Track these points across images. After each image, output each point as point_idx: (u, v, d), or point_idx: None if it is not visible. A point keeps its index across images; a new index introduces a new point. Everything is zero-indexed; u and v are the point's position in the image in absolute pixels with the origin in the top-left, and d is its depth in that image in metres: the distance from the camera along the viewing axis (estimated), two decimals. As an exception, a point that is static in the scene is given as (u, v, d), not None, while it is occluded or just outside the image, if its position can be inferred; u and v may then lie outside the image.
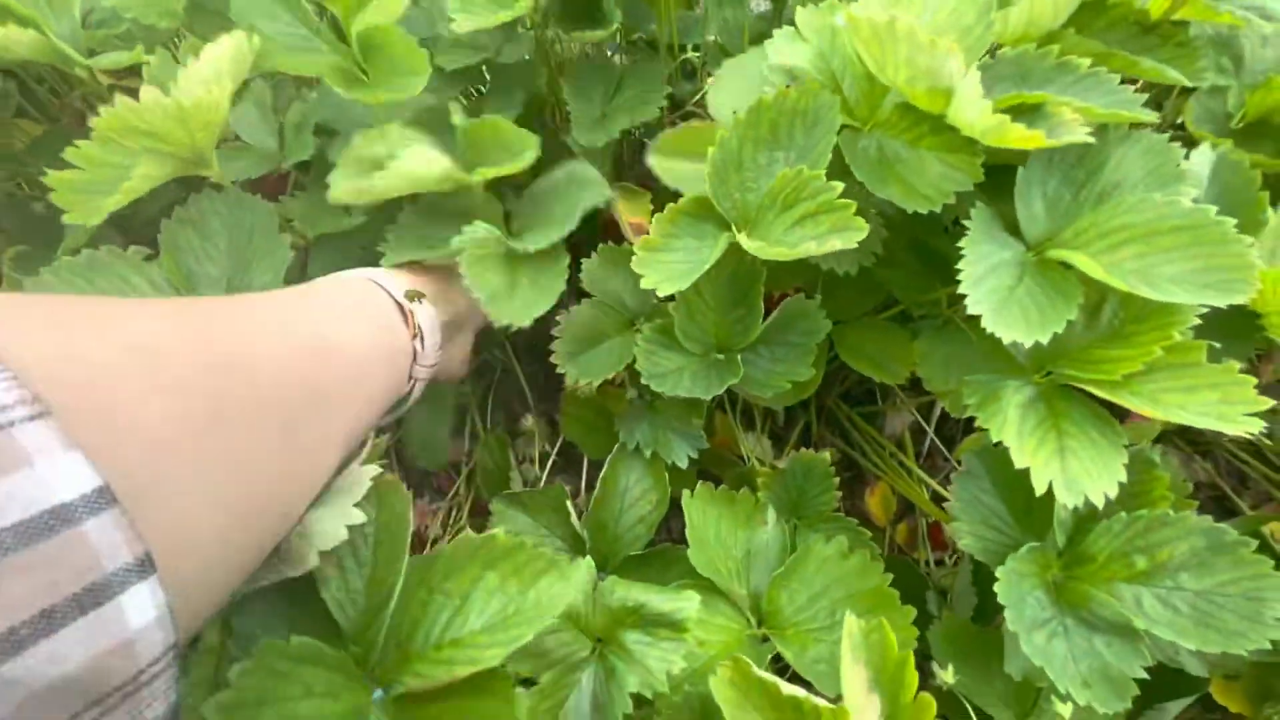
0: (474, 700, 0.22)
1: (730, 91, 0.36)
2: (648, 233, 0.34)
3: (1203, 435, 0.59)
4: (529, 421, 0.53)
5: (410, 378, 0.34)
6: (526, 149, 0.35)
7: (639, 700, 0.26)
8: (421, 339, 0.34)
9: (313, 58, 0.36)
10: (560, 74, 0.47)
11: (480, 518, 0.56)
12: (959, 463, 0.57)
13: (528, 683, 0.26)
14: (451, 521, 0.54)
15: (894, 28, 0.24)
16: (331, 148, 0.41)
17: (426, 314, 0.34)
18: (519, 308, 0.33)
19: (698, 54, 0.51)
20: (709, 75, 0.52)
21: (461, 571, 0.24)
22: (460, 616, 0.24)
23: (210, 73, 0.32)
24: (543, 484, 0.51)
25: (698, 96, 0.50)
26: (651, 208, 0.46)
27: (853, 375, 0.53)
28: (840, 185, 0.27)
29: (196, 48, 0.34)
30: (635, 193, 0.47)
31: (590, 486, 0.52)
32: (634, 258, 0.31)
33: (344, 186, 0.35)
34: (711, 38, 0.49)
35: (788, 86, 0.31)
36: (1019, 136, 0.24)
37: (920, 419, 0.57)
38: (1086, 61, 0.27)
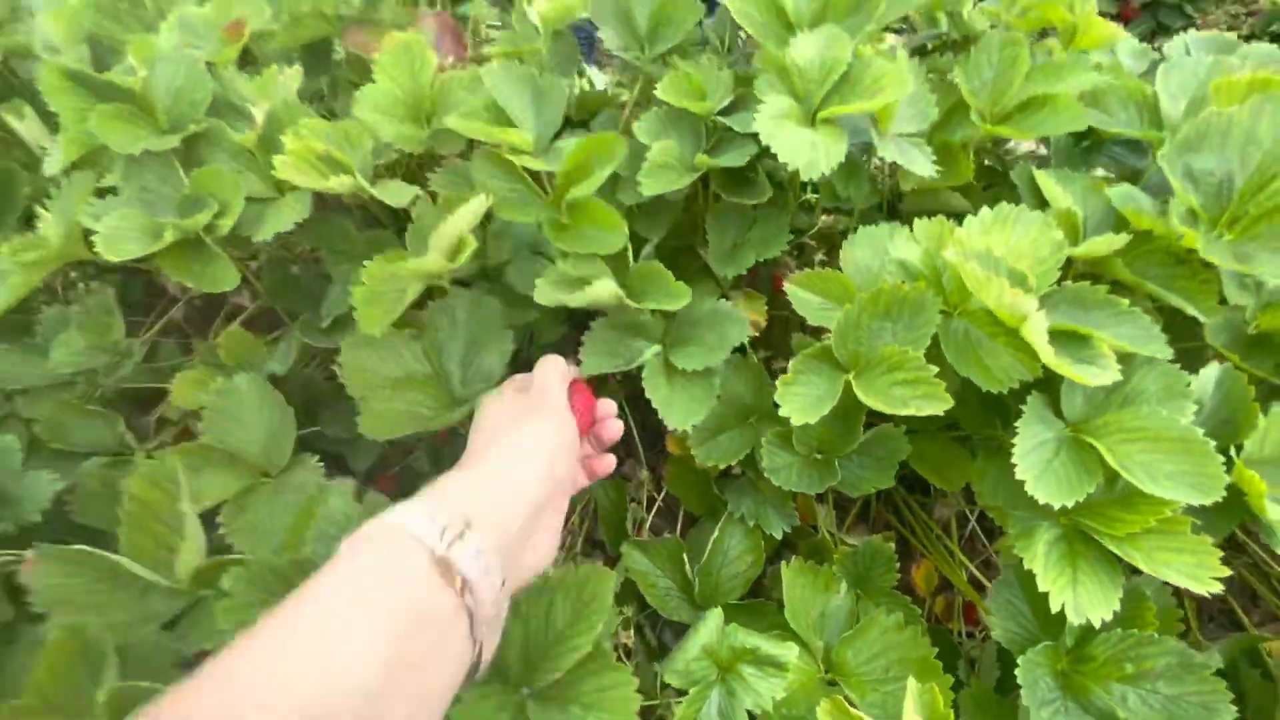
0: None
1: (860, 254, 0.47)
2: (762, 327, 0.46)
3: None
4: (642, 475, 0.65)
5: (474, 641, 0.29)
6: (681, 295, 0.47)
7: (751, 716, 0.38)
8: (470, 589, 0.28)
9: (530, 210, 0.49)
10: (705, 210, 0.59)
11: (591, 544, 0.68)
12: (996, 553, 0.67)
13: (680, 694, 0.37)
14: (566, 546, 0.66)
15: (990, 281, 0.36)
16: (517, 260, 0.54)
17: (474, 552, 0.29)
18: (680, 414, 0.45)
19: (815, 195, 0.62)
20: (824, 213, 0.63)
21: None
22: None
23: (465, 223, 0.45)
24: (647, 525, 0.63)
25: (813, 230, 0.62)
26: (766, 309, 0.58)
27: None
28: (935, 369, 0.38)
29: (453, 204, 0.47)
30: (753, 296, 0.59)
31: (684, 532, 0.64)
32: (777, 390, 0.42)
33: (546, 294, 0.47)
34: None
35: (902, 282, 0.42)
36: (1069, 371, 0.35)
37: (966, 510, 0.67)
38: (1125, 302, 0.38)
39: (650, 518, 0.64)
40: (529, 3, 0.58)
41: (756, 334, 0.55)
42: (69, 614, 0.32)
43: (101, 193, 0.52)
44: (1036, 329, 0.35)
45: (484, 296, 0.50)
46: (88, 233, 0.49)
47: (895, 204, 0.61)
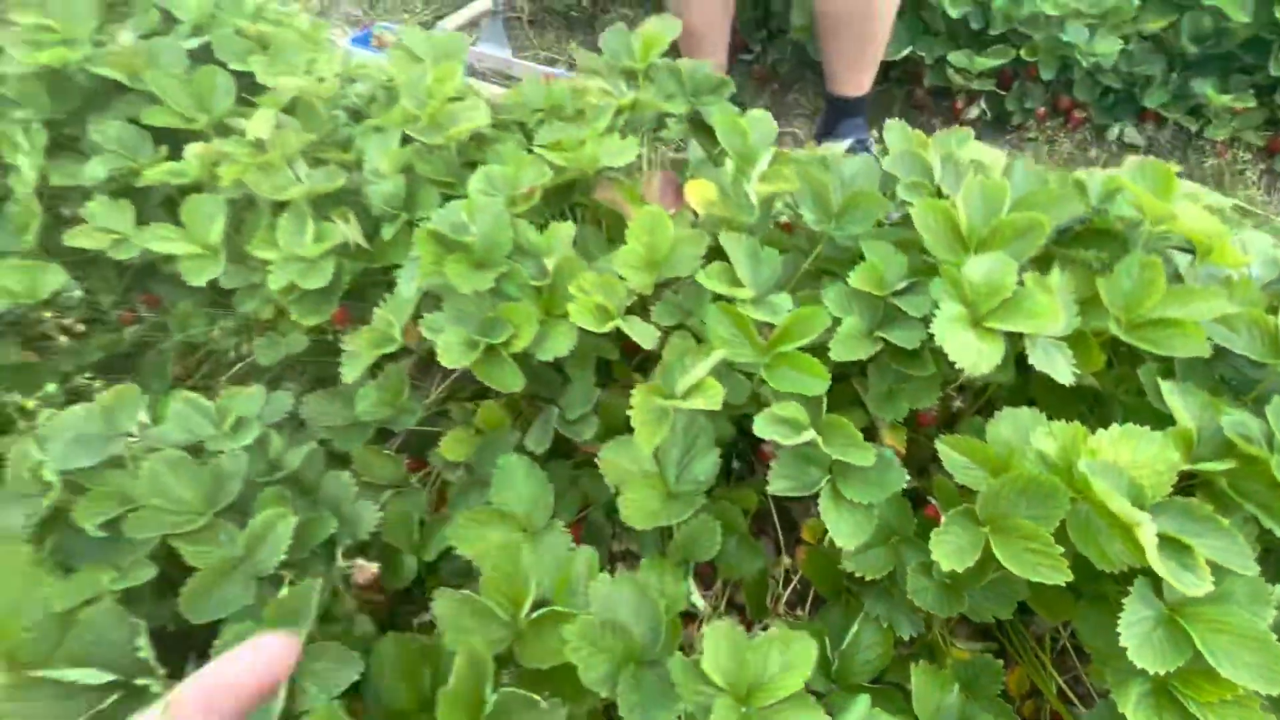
0: None
1: (1004, 431, 0.60)
2: (902, 455, 0.60)
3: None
4: (784, 561, 0.79)
5: None
6: (864, 453, 0.61)
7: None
8: None
9: (748, 353, 0.65)
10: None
11: (731, 606, 0.83)
12: (1085, 673, 0.77)
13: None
14: (712, 605, 0.81)
15: (1112, 494, 0.48)
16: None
17: None
18: (847, 535, 0.59)
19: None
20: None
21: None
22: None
23: (707, 369, 0.62)
24: (783, 600, 0.77)
25: (955, 383, 0.75)
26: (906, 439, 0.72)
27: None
28: (1061, 549, 0.51)
29: (681, 349, 0.64)
30: (897, 427, 0.73)
31: (813, 610, 0.78)
32: (932, 538, 0.56)
33: (764, 429, 0.63)
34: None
35: (1039, 470, 0.55)
36: (1170, 577, 0.47)
37: (1059, 628, 0.77)
38: (1225, 522, 0.49)
39: (786, 594, 0.78)
40: (748, 181, 0.74)
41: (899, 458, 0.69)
42: (460, 635, 0.51)
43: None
44: (1147, 536, 0.48)
45: (697, 414, 0.66)
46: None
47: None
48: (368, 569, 0.67)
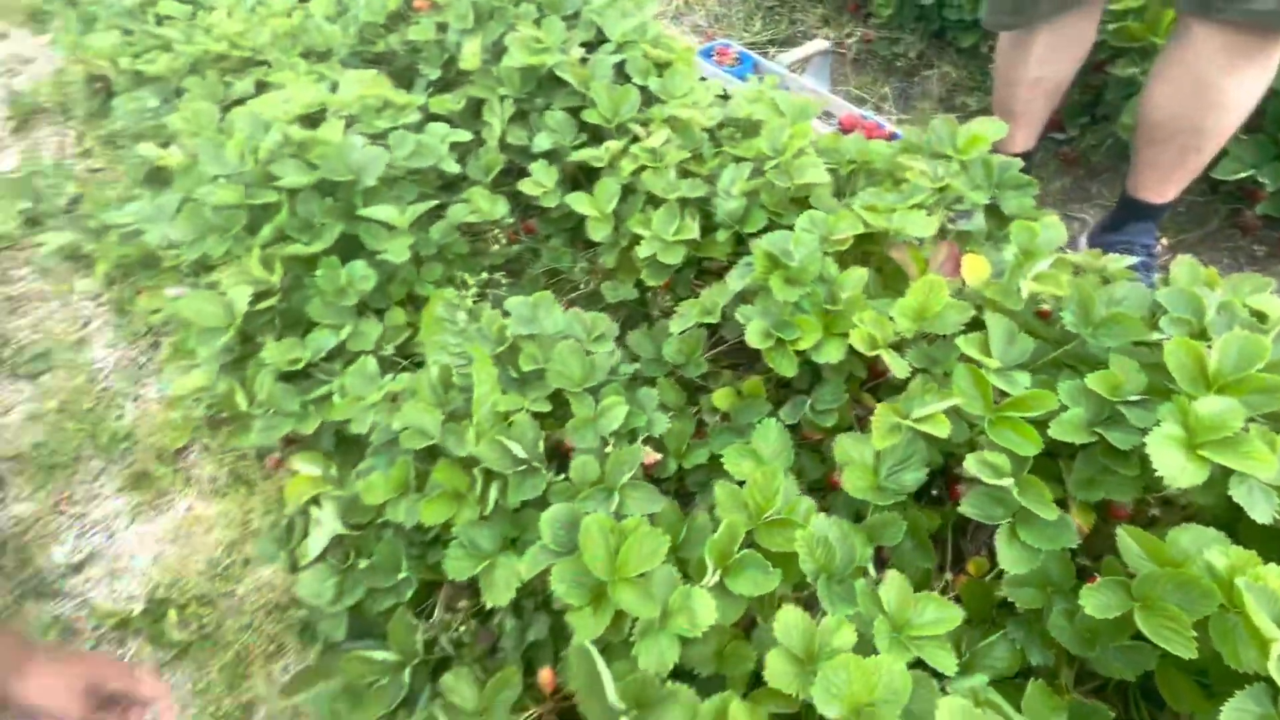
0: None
1: (1184, 541, 0.73)
2: (1085, 533, 0.76)
3: None
4: (945, 577, 0.97)
5: None
6: (1065, 533, 0.78)
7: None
8: None
9: (980, 409, 0.84)
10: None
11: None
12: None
13: None
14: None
15: (1259, 614, 0.61)
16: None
17: None
18: (1015, 565, 0.77)
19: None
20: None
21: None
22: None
23: (945, 406, 0.83)
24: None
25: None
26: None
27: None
28: (1194, 633, 0.65)
29: (925, 389, 0.85)
30: (1085, 508, 0.86)
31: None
32: (1085, 590, 0.72)
33: (975, 468, 0.82)
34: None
35: (1202, 577, 0.68)
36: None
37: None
38: (1360, 670, 0.59)
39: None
40: (1024, 277, 0.92)
41: (1081, 536, 0.83)
42: (727, 512, 0.80)
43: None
44: (1275, 651, 0.60)
45: (920, 437, 0.88)
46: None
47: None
48: (653, 455, 0.99)
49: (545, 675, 0.85)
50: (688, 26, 2.78)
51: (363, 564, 0.92)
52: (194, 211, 1.21)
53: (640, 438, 1.00)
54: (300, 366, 1.06)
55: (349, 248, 1.18)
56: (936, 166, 1.09)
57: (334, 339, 1.07)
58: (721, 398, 1.08)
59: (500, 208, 1.36)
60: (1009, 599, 0.81)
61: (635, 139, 1.36)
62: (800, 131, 1.15)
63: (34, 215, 2.13)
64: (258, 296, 1.11)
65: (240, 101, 1.58)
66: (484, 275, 1.33)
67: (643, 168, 1.24)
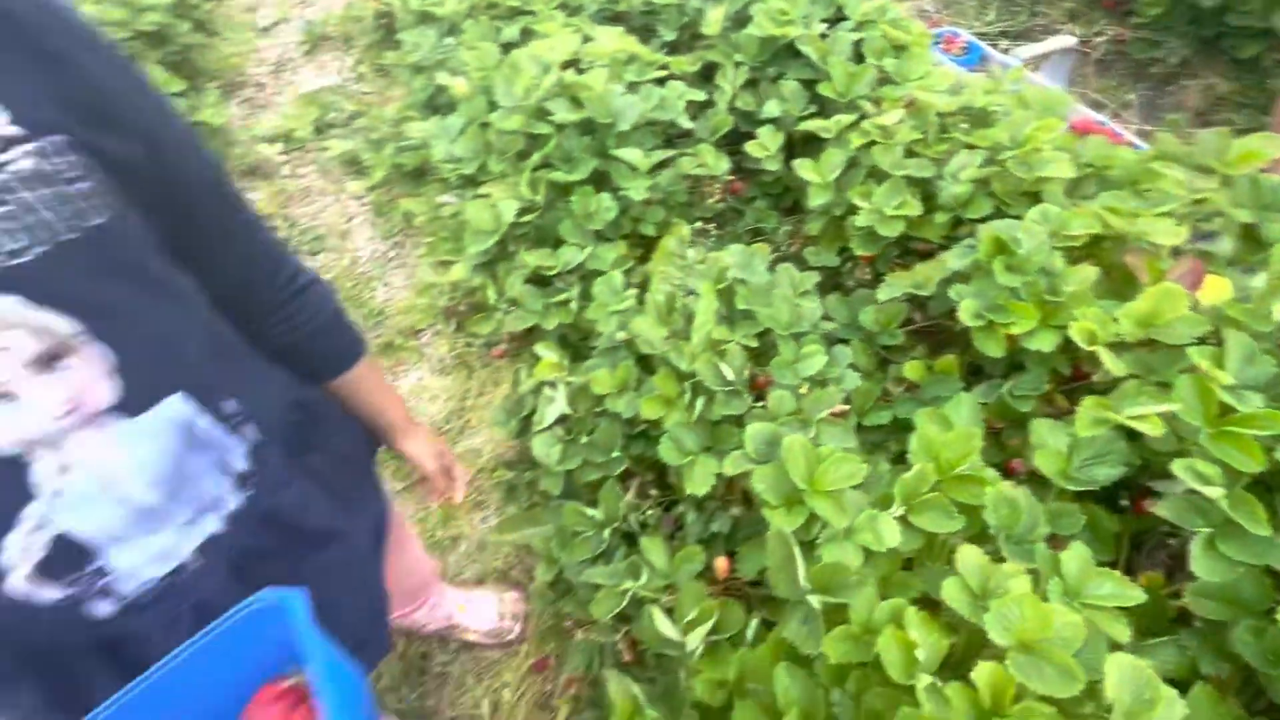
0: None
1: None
2: None
3: None
4: (1119, 579, 0.98)
5: None
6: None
7: None
8: None
9: (1198, 420, 0.85)
10: None
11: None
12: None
13: None
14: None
15: None
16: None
17: None
18: (1207, 570, 0.79)
19: None
20: None
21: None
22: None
23: (1153, 410, 0.84)
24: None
25: None
26: None
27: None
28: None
29: (1134, 392, 0.86)
30: None
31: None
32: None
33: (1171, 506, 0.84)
34: None
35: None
36: None
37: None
38: None
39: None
40: (1277, 301, 0.89)
41: None
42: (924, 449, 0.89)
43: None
44: None
45: (1121, 434, 0.90)
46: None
47: None
48: (841, 406, 1.09)
49: (722, 562, 1.00)
50: (913, 10, 2.71)
51: (583, 439, 1.11)
52: (477, 134, 1.45)
53: (831, 386, 1.10)
54: (553, 273, 1.27)
55: (598, 181, 1.36)
56: (1194, 179, 1.06)
57: (579, 256, 1.27)
58: (912, 368, 1.14)
59: (724, 164, 1.49)
60: (1190, 609, 0.83)
61: (863, 115, 1.42)
62: (1048, 126, 1.15)
63: (320, 125, 2.58)
64: (521, 211, 1.33)
65: (508, 45, 1.83)
66: (697, 224, 1.48)
67: (872, 143, 1.30)
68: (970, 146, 1.25)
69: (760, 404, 1.06)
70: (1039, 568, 0.79)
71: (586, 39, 1.69)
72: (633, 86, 1.51)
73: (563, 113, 1.36)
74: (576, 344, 1.30)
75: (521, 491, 1.34)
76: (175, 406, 0.48)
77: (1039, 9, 2.40)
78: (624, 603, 0.93)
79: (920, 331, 1.35)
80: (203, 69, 2.79)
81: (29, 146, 0.39)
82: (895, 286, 1.14)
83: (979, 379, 1.14)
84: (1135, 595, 0.75)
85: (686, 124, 1.52)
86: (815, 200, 1.32)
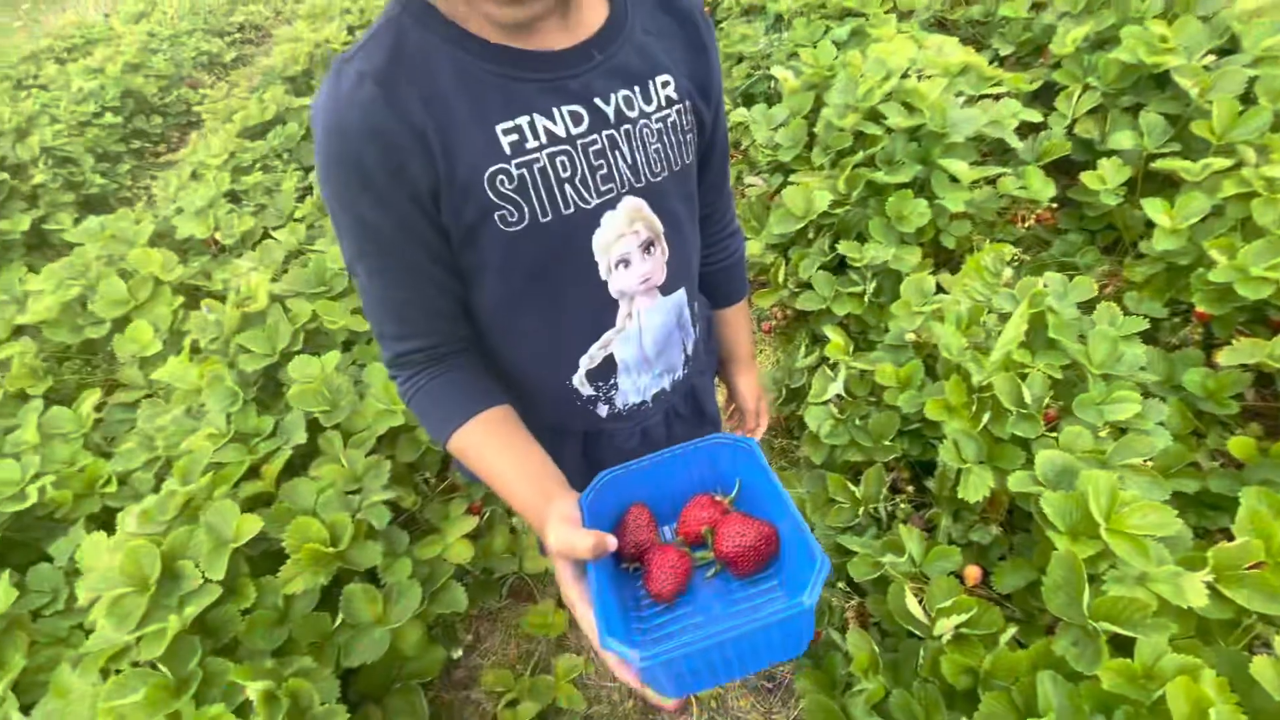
0: None
1: None
2: None
3: None
4: None
5: None
6: None
7: None
8: None
9: None
10: None
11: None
12: None
13: None
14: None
15: None
16: None
17: None
18: None
19: None
20: None
21: None
22: None
23: None
24: None
25: None
26: None
27: None
28: None
29: None
30: None
31: None
32: None
33: None
34: None
35: None
36: None
37: None
38: None
39: None
40: None
41: None
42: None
43: None
44: None
45: None
46: None
47: None
48: (1145, 464, 1.04)
49: (974, 570, 1.03)
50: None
51: (855, 421, 1.20)
52: (801, 125, 1.57)
53: (1138, 436, 1.05)
54: (858, 264, 1.36)
55: (916, 187, 1.41)
56: None
57: (885, 254, 1.34)
58: (1241, 445, 1.05)
59: (1049, 190, 1.44)
60: None
61: (1241, 163, 1.27)
62: None
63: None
64: (834, 203, 1.43)
65: (838, 44, 1.92)
66: (1006, 248, 1.45)
67: (1251, 194, 1.18)
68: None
69: (1052, 433, 1.05)
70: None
71: (920, 46, 1.72)
72: (969, 99, 1.51)
73: (896, 117, 1.42)
74: (855, 334, 1.38)
75: (773, 457, 1.47)
76: (681, 296, 0.66)
77: None
78: (877, 572, 1.02)
79: (1253, 411, 1.21)
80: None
81: (678, 107, 0.59)
82: (1244, 352, 1.05)
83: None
84: None
85: (1015, 143, 1.49)
86: (1160, 244, 1.23)
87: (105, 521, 1.43)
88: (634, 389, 0.68)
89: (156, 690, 0.89)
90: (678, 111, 0.59)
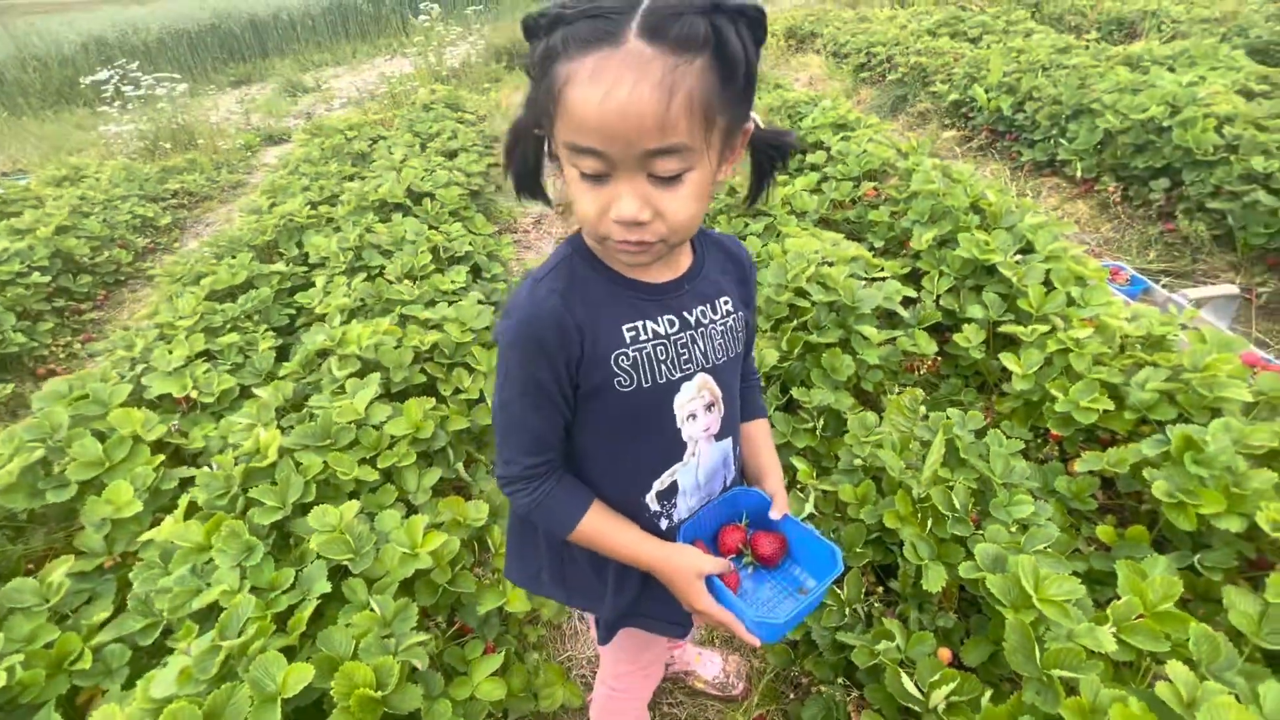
0: None
1: None
2: None
3: None
4: None
5: None
6: None
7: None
8: None
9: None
10: None
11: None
12: None
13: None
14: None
15: None
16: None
17: None
18: None
19: None
20: None
21: None
22: None
23: None
24: None
25: None
26: None
27: None
28: None
29: None
30: None
31: None
32: None
33: None
34: None
35: None
36: None
37: None
38: None
39: None
40: None
41: None
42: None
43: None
44: None
45: (1307, 614, 1.11)
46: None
47: None
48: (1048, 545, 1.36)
49: (945, 652, 1.26)
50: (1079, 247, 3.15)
51: (830, 535, 1.45)
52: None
53: (1037, 529, 1.39)
54: (809, 406, 1.69)
55: (840, 345, 1.82)
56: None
57: (829, 398, 1.69)
58: (1105, 532, 1.41)
59: (932, 347, 1.91)
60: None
61: (1054, 329, 1.80)
62: (1224, 359, 1.48)
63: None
64: (781, 359, 1.80)
65: (758, 236, 2.44)
66: (918, 391, 1.87)
67: (1066, 349, 1.68)
68: (1154, 365, 1.58)
69: (979, 531, 1.36)
70: (1238, 693, 1.01)
71: (819, 240, 2.26)
72: (867, 281, 2.01)
73: (819, 294, 1.87)
74: (812, 463, 1.68)
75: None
76: (728, 443, 0.89)
77: (1200, 257, 2.75)
78: (874, 660, 1.21)
79: (1105, 507, 1.61)
80: (494, 216, 3.73)
81: (734, 316, 0.85)
82: (1091, 462, 1.45)
83: (1163, 551, 1.37)
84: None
85: (902, 312, 1.97)
86: (1017, 385, 1.68)
87: (69, 702, 1.31)
88: (685, 508, 0.90)
89: None
90: (734, 319, 0.86)
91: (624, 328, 0.77)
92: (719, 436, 0.89)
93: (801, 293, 1.90)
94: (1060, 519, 1.48)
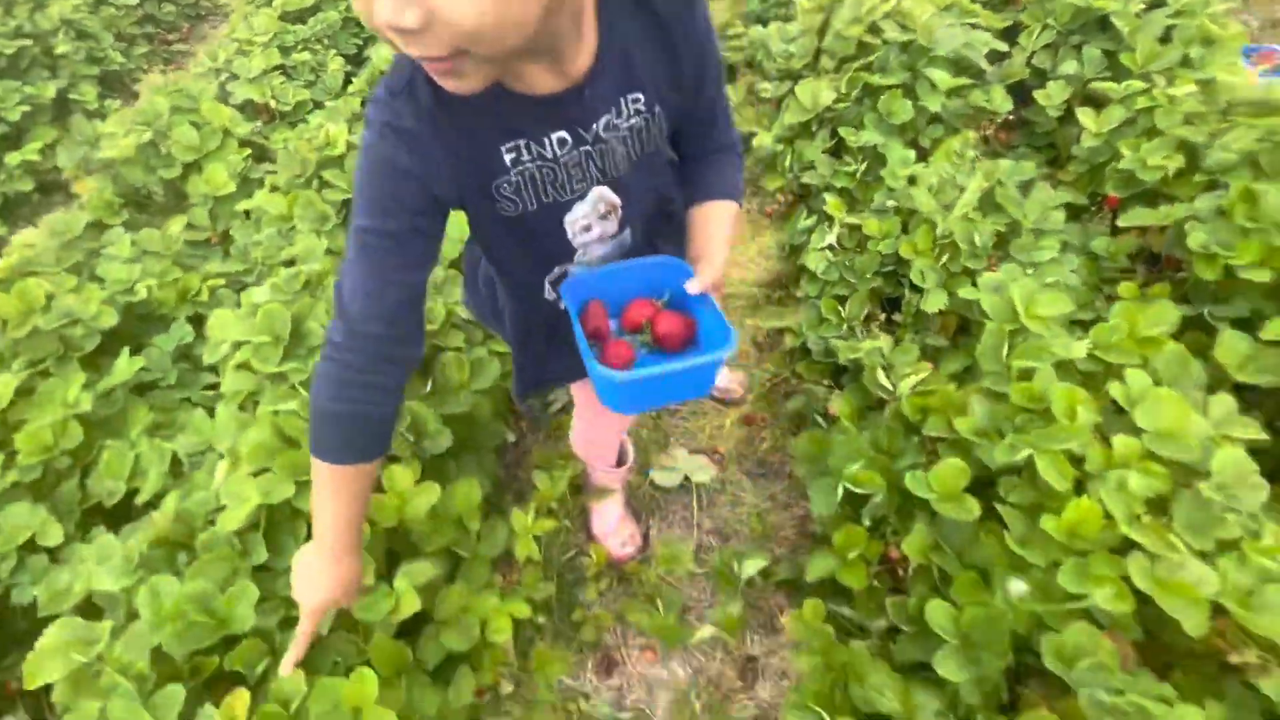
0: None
1: None
2: None
3: None
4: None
5: None
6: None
7: None
8: None
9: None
10: None
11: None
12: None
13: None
14: None
15: None
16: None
17: None
18: None
19: None
20: None
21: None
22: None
23: None
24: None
25: None
26: None
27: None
28: None
29: None
30: None
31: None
32: None
33: None
34: None
35: None
36: None
37: None
38: None
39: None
40: None
41: None
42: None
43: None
44: None
45: None
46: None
47: None
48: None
49: (925, 365, 1.37)
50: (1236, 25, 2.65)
51: (845, 263, 1.51)
52: (813, 38, 1.84)
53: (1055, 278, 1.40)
54: (855, 146, 1.66)
55: (903, 90, 1.71)
56: None
57: (876, 139, 1.64)
58: (1127, 288, 1.40)
59: (1007, 105, 1.77)
60: None
61: (1151, 87, 1.62)
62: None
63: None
64: (836, 100, 1.72)
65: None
66: (970, 134, 1.78)
67: (1156, 106, 1.52)
68: (1250, 125, 1.43)
69: (990, 270, 1.39)
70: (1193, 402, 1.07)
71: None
72: (949, 26, 1.82)
73: (892, 32, 1.72)
74: (846, 205, 1.69)
75: (771, 300, 1.79)
76: (625, 235, 0.80)
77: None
78: (856, 354, 1.34)
79: (1142, 283, 1.57)
80: None
81: (645, 116, 0.70)
82: (1137, 217, 1.40)
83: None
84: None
85: (985, 65, 1.80)
86: (1086, 144, 1.57)
87: (199, 322, 1.65)
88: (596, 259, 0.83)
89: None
90: (644, 120, 0.71)
91: (503, 149, 0.66)
92: (615, 235, 0.80)
93: (875, 29, 1.76)
94: (1087, 275, 1.47)
